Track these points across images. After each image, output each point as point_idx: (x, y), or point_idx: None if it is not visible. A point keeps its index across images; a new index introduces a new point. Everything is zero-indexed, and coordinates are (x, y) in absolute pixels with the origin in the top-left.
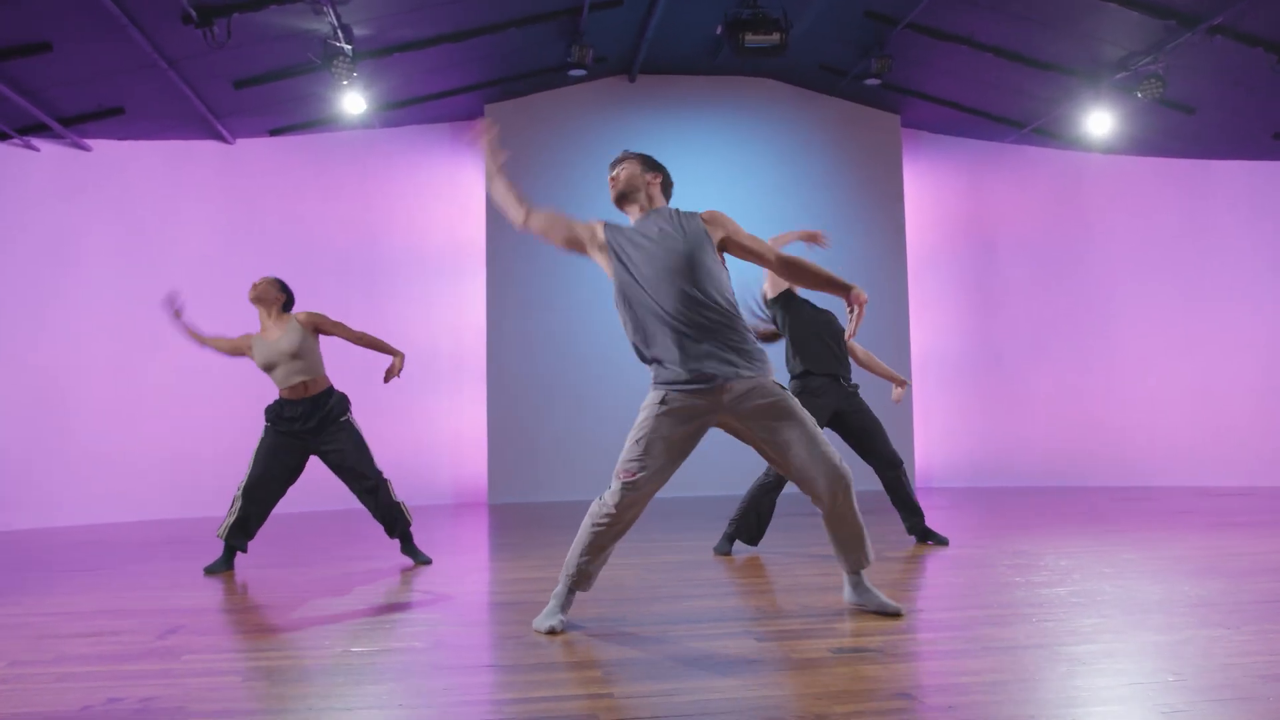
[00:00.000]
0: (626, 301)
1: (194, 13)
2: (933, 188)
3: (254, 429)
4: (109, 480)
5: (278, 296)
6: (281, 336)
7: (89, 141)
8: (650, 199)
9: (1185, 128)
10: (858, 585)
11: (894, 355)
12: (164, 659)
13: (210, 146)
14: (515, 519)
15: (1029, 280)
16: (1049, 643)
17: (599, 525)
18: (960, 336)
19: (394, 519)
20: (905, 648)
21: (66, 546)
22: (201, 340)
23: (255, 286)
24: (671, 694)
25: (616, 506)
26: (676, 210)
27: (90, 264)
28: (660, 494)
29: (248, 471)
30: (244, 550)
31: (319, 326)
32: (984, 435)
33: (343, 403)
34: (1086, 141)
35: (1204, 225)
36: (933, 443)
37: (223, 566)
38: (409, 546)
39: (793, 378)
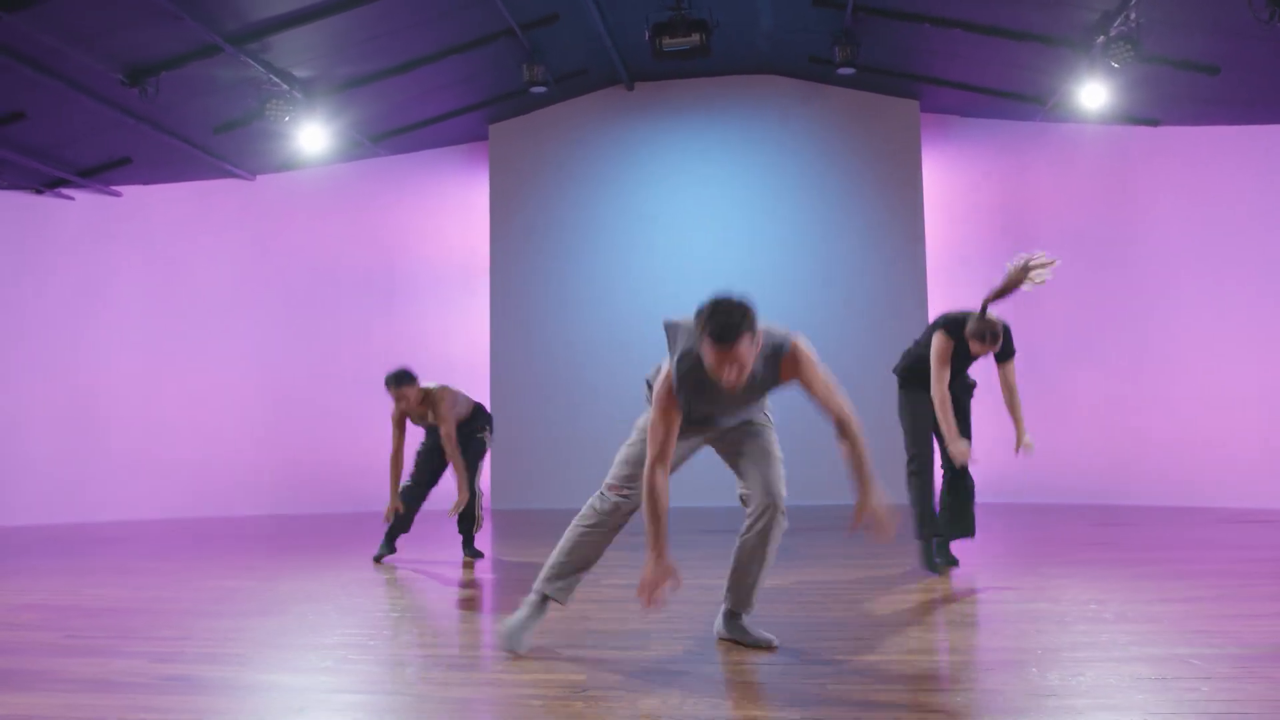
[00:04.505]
0: None
1: (124, 78)
2: (960, 175)
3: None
4: (141, 479)
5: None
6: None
7: (117, 188)
8: None
9: (1222, 91)
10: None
11: None
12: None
13: (232, 184)
14: (509, 523)
15: (1069, 272)
16: None
17: None
18: None
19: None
20: None
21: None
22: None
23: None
24: None
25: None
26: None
27: (123, 297)
28: None
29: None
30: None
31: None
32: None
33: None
34: (1089, 115)
35: (1275, 204)
36: None
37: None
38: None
39: None
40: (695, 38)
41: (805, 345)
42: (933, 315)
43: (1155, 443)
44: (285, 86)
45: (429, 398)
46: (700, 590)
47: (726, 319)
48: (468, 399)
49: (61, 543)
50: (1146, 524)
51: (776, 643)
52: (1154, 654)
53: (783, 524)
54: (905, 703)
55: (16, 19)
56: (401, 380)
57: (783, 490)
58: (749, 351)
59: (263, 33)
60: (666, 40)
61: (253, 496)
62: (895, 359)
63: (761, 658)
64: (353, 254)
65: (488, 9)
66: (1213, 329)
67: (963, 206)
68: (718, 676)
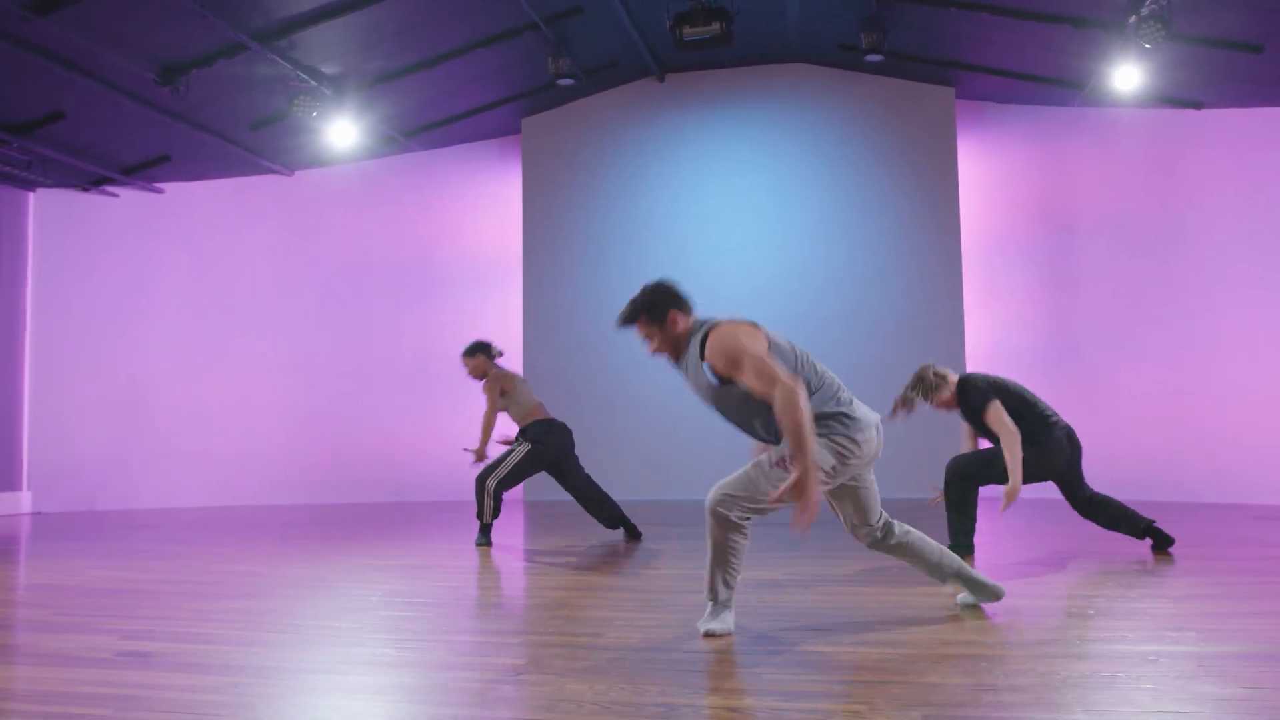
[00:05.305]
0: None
1: (156, 77)
2: (997, 162)
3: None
4: (182, 469)
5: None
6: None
7: (159, 185)
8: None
9: (1267, 71)
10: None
11: (946, 351)
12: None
13: (270, 180)
14: (539, 515)
15: (1113, 262)
16: None
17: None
18: (1029, 328)
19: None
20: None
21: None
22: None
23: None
24: None
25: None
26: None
27: (165, 292)
28: None
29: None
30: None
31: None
32: None
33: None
34: (1130, 99)
35: None
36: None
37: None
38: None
39: None
40: (716, 26)
41: (726, 330)
42: (968, 308)
43: (1200, 436)
44: (314, 83)
45: (491, 376)
46: (679, 582)
47: (627, 307)
48: (536, 405)
49: (98, 528)
50: (1182, 519)
51: (720, 631)
52: (1117, 651)
53: (708, 521)
54: (833, 693)
55: (49, 22)
56: (466, 352)
57: (713, 493)
58: (651, 334)
59: (289, 29)
60: (687, 30)
61: (291, 486)
62: (929, 348)
63: (708, 645)
64: (387, 248)
65: (511, 2)
66: (1260, 319)
67: (1000, 194)
68: (655, 663)
